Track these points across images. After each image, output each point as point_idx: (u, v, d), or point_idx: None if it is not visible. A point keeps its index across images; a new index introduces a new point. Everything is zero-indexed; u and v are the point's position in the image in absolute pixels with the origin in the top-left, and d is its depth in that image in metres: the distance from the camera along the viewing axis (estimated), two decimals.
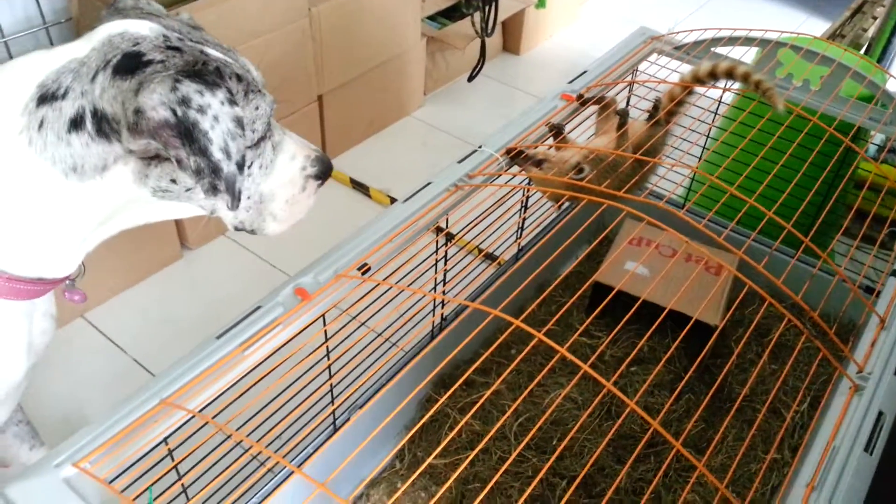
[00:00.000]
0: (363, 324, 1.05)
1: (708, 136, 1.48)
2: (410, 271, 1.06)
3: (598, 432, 1.31)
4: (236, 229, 0.89)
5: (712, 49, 1.51)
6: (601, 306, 0.95)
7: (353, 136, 2.24)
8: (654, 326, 0.96)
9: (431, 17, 2.36)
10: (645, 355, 1.46)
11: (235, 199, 0.76)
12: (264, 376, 0.91)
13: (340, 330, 1.03)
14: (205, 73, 0.72)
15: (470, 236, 1.17)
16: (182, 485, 0.80)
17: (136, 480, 0.79)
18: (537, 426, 0.80)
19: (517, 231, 1.42)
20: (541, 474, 0.76)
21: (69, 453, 0.74)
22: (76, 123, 0.72)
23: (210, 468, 0.85)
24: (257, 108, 0.80)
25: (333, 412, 1.15)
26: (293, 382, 0.93)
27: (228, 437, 0.83)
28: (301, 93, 1.96)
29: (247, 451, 1.00)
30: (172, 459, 0.80)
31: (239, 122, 0.74)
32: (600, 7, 3.11)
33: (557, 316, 0.94)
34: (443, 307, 1.32)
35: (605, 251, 1.61)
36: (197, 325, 1.67)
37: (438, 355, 1.26)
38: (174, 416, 0.78)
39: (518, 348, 1.46)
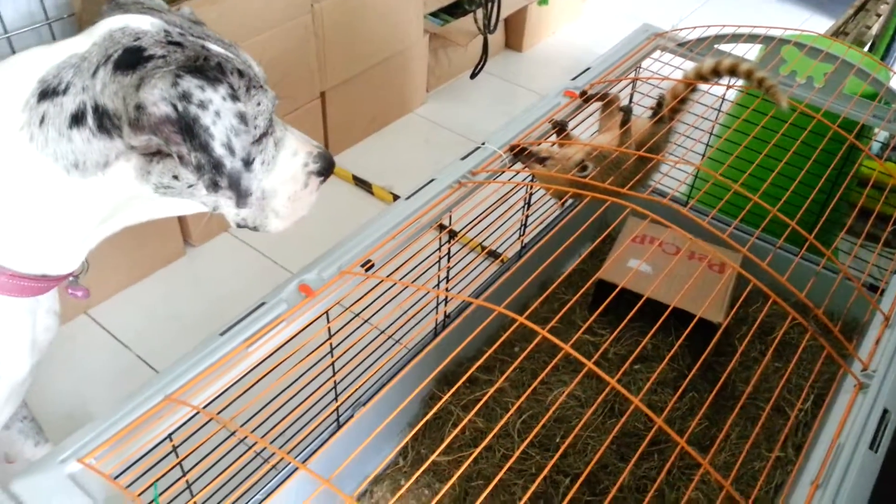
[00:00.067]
0: (366, 321, 1.05)
1: (711, 134, 1.47)
2: (414, 268, 1.06)
3: (602, 430, 1.31)
4: (239, 226, 0.89)
5: (716, 46, 1.50)
6: (605, 304, 0.94)
7: (355, 132, 2.24)
8: (657, 324, 0.96)
9: (434, 14, 2.36)
10: (648, 353, 1.46)
11: (242, 196, 0.76)
12: (268, 373, 0.91)
13: (344, 327, 1.03)
14: (206, 69, 0.72)
15: (473, 233, 1.17)
16: (186, 481, 0.80)
17: (140, 476, 0.79)
18: (541, 424, 0.79)
19: (520, 228, 1.42)
20: (545, 472, 0.76)
21: (74, 449, 0.74)
22: (77, 119, 0.72)
23: (214, 465, 0.85)
24: (259, 104, 0.80)
25: (337, 409, 1.15)
26: (297, 379, 0.93)
27: (233, 433, 0.83)
28: (303, 89, 1.96)
29: (251, 447, 1.00)
30: (177, 456, 0.80)
31: (242, 118, 0.73)
32: (603, 4, 3.11)
33: (561, 313, 0.94)
34: (446, 304, 1.32)
35: (607, 249, 1.61)
36: (200, 321, 1.67)
37: (442, 353, 1.26)
38: (178, 413, 0.78)
39: (521, 346, 1.46)
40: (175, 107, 0.69)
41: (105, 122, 0.72)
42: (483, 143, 1.20)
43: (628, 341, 1.47)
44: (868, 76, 1.40)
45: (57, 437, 1.22)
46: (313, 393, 1.03)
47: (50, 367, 1.52)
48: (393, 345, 1.20)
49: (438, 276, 1.22)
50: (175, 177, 0.77)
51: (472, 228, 1.16)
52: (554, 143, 1.26)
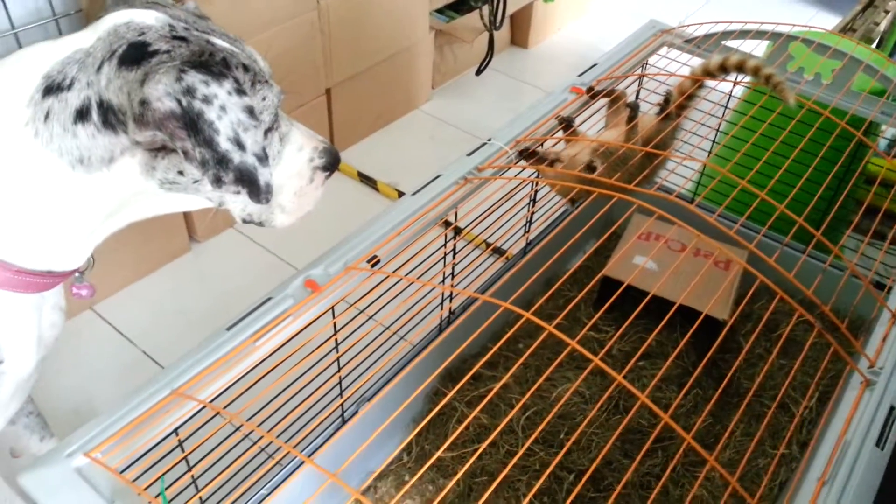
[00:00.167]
0: (371, 317, 1.05)
1: (718, 131, 1.47)
2: (419, 265, 1.06)
3: (606, 426, 1.31)
4: (244, 222, 0.88)
5: (723, 42, 1.50)
6: (611, 300, 0.94)
7: (360, 129, 2.24)
8: (664, 321, 0.96)
9: (439, 11, 2.35)
10: (652, 349, 1.45)
11: (263, 192, 0.75)
12: (273, 368, 0.91)
13: (349, 323, 1.03)
14: (211, 64, 0.72)
15: (478, 230, 1.17)
16: (192, 476, 0.80)
17: (146, 471, 0.79)
18: (546, 421, 0.79)
19: (525, 225, 1.42)
20: (550, 468, 0.76)
21: (81, 443, 0.74)
22: (82, 115, 0.72)
23: (219, 459, 0.86)
24: (264, 99, 0.79)
25: (342, 405, 1.15)
26: (302, 375, 0.93)
27: (238, 428, 0.83)
28: (309, 86, 1.96)
29: (255, 443, 1.00)
30: (183, 450, 0.81)
31: (251, 112, 0.73)
32: (609, 0, 3.10)
33: (567, 310, 0.94)
34: (451, 301, 1.32)
35: (612, 246, 1.61)
36: (205, 317, 1.67)
37: (446, 349, 1.26)
38: (185, 407, 0.78)
39: (525, 342, 1.46)
40: (179, 102, 0.68)
41: (110, 117, 0.72)
42: (489, 140, 1.20)
43: (633, 338, 1.47)
44: (876, 73, 1.40)
45: (62, 433, 1.23)
46: (318, 388, 1.04)
47: (55, 363, 1.53)
48: (398, 341, 1.20)
49: (443, 273, 1.22)
50: (180, 172, 0.76)
51: (477, 225, 1.16)
52: (560, 139, 1.26)
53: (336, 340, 1.01)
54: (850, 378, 0.91)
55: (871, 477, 0.78)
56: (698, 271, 1.43)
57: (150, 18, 0.75)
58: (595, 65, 1.41)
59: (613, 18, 2.98)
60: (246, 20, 1.68)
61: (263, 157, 0.75)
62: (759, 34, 1.47)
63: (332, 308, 0.95)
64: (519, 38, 2.75)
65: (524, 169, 1.23)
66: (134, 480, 0.72)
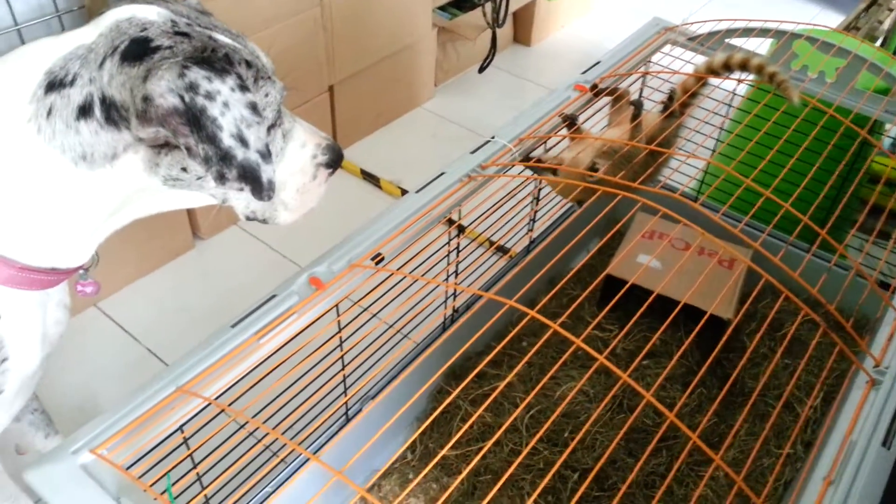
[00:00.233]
0: (375, 315, 1.05)
1: (722, 129, 1.47)
2: (422, 263, 1.06)
3: (610, 425, 1.31)
4: (248, 219, 0.88)
5: (726, 40, 1.49)
6: (615, 299, 0.94)
7: (363, 126, 2.24)
8: (668, 320, 0.95)
9: (442, 8, 2.35)
10: (656, 348, 1.45)
11: (265, 189, 0.75)
12: (277, 366, 0.91)
13: (353, 320, 1.03)
14: (213, 60, 0.72)
15: (481, 228, 1.17)
16: (197, 473, 0.80)
17: (151, 468, 0.79)
18: (551, 420, 0.79)
19: (529, 223, 1.42)
20: (555, 467, 0.76)
21: (86, 440, 0.74)
22: (85, 111, 0.71)
23: (224, 457, 0.86)
24: (267, 95, 0.79)
25: (346, 403, 1.15)
26: (306, 373, 0.93)
27: (242, 425, 0.83)
28: (312, 83, 1.96)
29: (260, 440, 1.00)
30: (188, 447, 0.81)
31: (254, 108, 0.73)
32: None
33: (571, 308, 0.94)
34: (454, 299, 1.32)
35: (616, 245, 1.61)
36: (209, 314, 1.67)
37: (450, 347, 1.26)
38: (190, 404, 0.78)
39: (529, 341, 1.46)
40: (182, 98, 0.68)
41: (112, 113, 0.71)
42: (493, 137, 1.20)
43: (636, 337, 1.47)
44: (881, 71, 1.39)
45: (67, 430, 1.23)
46: (322, 386, 1.04)
47: (60, 360, 1.53)
48: (401, 339, 1.20)
49: (447, 271, 1.22)
50: (184, 169, 0.76)
51: (480, 223, 1.15)
52: (564, 137, 1.26)
53: (340, 338, 1.01)
54: (855, 377, 0.91)
55: (877, 477, 0.77)
56: (702, 270, 1.42)
57: (152, 14, 0.74)
58: (598, 62, 1.41)
59: (616, 16, 2.98)
60: (249, 17, 1.68)
61: (266, 154, 0.74)
62: (763, 32, 1.47)
63: (336, 306, 0.95)
64: (522, 35, 2.74)
65: (527, 167, 1.23)
66: (139, 477, 0.72)
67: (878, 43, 1.93)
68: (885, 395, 0.86)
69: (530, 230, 1.44)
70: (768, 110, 1.31)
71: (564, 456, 0.77)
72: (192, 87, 0.68)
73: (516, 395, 1.36)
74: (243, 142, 0.72)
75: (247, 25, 1.63)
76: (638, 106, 1.29)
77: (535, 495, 0.71)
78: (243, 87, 0.72)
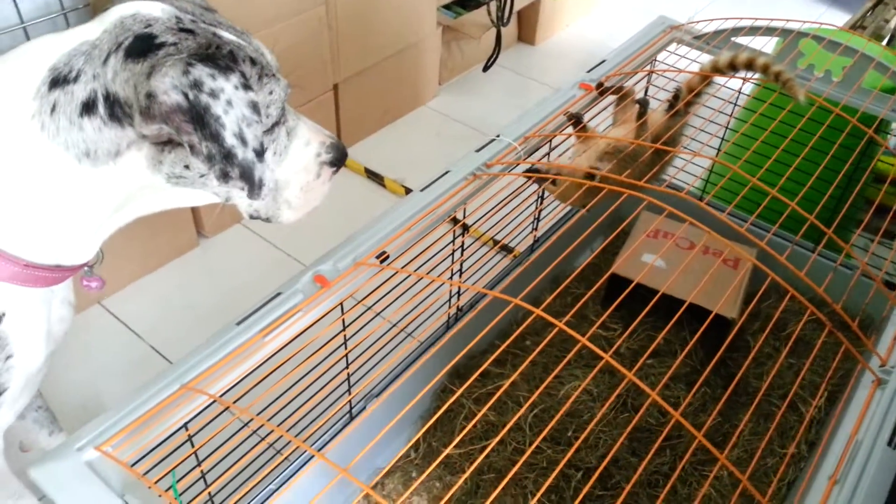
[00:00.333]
0: (378, 314, 1.05)
1: (727, 128, 1.46)
2: (426, 261, 1.06)
3: (613, 424, 1.31)
4: (251, 217, 0.88)
5: (732, 39, 1.49)
6: (620, 298, 0.94)
7: (367, 125, 2.24)
8: (673, 319, 0.95)
9: (447, 6, 2.35)
10: (660, 348, 1.45)
11: (256, 187, 0.74)
12: (282, 364, 0.91)
13: (357, 319, 1.03)
14: (218, 57, 0.71)
15: (485, 227, 1.17)
16: (201, 471, 0.80)
17: (156, 465, 0.79)
18: (555, 419, 0.79)
19: (533, 222, 1.41)
20: (560, 466, 0.75)
21: (91, 437, 0.74)
22: (88, 107, 0.71)
23: (228, 454, 0.86)
24: (271, 93, 0.79)
25: (350, 401, 1.15)
26: (310, 371, 0.93)
27: (247, 423, 0.83)
28: (316, 81, 1.96)
29: (264, 438, 1.00)
30: (192, 445, 0.81)
31: (255, 108, 0.72)
32: None
33: (576, 308, 0.94)
34: (459, 298, 1.32)
35: (620, 244, 1.60)
36: (213, 312, 1.67)
37: (454, 346, 1.26)
38: (195, 402, 0.78)
39: (533, 339, 1.46)
40: (186, 95, 0.68)
41: (116, 110, 0.71)
42: (497, 136, 1.20)
43: (640, 336, 1.47)
44: (887, 70, 1.39)
45: (71, 427, 1.23)
46: (326, 384, 1.04)
47: (64, 357, 1.53)
48: (405, 338, 1.20)
49: (451, 270, 1.22)
50: (186, 166, 0.76)
51: (485, 222, 1.15)
52: (570, 136, 1.26)
53: (345, 336, 1.01)
54: (861, 377, 0.91)
55: (882, 476, 0.77)
56: (707, 269, 1.42)
57: (156, 10, 0.74)
58: (604, 61, 1.40)
59: (621, 15, 2.97)
60: (253, 15, 1.68)
61: (261, 153, 0.74)
62: (769, 31, 1.46)
63: (341, 304, 0.95)
64: (526, 34, 2.74)
65: (533, 165, 1.22)
66: (144, 474, 0.72)
67: (885, 42, 1.92)
68: (890, 395, 0.86)
69: (534, 229, 1.44)
70: (774, 109, 1.31)
71: (569, 455, 0.77)
72: (197, 85, 0.68)
73: (520, 393, 1.36)
74: (243, 141, 0.71)
75: (251, 23, 1.64)
76: (644, 104, 1.29)
77: (538, 494, 0.71)
78: (246, 86, 0.72)
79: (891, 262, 1.24)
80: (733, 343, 1.45)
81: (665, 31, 1.52)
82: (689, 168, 1.25)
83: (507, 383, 0.81)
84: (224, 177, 0.72)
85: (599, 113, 1.34)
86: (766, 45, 1.45)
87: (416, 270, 0.94)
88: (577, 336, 0.75)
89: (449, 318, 1.34)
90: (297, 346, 0.91)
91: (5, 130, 0.72)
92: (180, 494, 0.74)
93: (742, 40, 1.47)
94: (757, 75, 1.33)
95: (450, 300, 1.29)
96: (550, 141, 1.26)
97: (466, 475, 0.71)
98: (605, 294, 1.51)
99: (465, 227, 1.16)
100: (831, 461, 0.80)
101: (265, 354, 0.87)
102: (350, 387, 1.10)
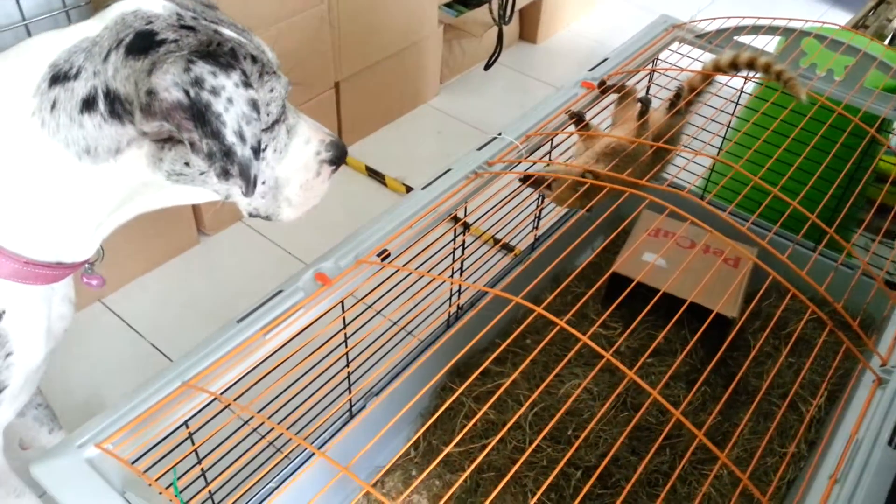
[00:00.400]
0: (379, 312, 1.05)
1: (729, 127, 1.46)
2: (427, 260, 1.06)
3: (613, 423, 1.31)
4: (251, 215, 0.88)
5: (735, 38, 1.49)
6: (622, 297, 0.94)
7: (369, 123, 2.24)
8: (674, 318, 0.95)
9: (449, 5, 2.35)
10: (660, 346, 1.45)
11: (251, 185, 0.74)
12: (282, 362, 0.91)
13: (358, 317, 1.03)
14: (219, 54, 0.71)
15: (486, 226, 1.17)
16: (202, 468, 0.80)
17: (156, 463, 0.79)
18: (556, 418, 0.79)
19: (534, 221, 1.41)
20: (560, 465, 0.75)
21: (92, 434, 0.74)
22: (88, 104, 0.71)
23: (228, 452, 0.86)
24: (272, 91, 0.79)
25: (350, 399, 1.15)
26: (310, 369, 0.93)
27: (247, 421, 0.83)
28: (318, 79, 1.96)
29: (264, 436, 1.00)
30: (193, 443, 0.81)
31: (254, 106, 0.72)
32: None
33: (577, 306, 0.94)
34: (459, 296, 1.32)
35: (620, 243, 1.60)
36: (214, 310, 1.67)
37: (454, 345, 1.26)
38: (195, 399, 0.78)
39: (533, 338, 1.46)
40: (187, 93, 0.68)
41: (117, 107, 0.71)
42: (499, 134, 1.20)
43: (640, 335, 1.47)
44: (889, 69, 1.39)
45: (71, 425, 1.23)
46: (326, 383, 1.04)
47: (65, 355, 1.53)
48: (405, 336, 1.20)
49: (452, 269, 1.22)
50: (187, 164, 0.76)
51: (486, 220, 1.15)
52: (571, 134, 1.26)
53: (345, 334, 1.01)
54: (861, 376, 0.91)
55: (882, 476, 0.77)
56: (708, 268, 1.42)
57: (157, 7, 0.74)
58: (606, 59, 1.40)
59: (623, 13, 2.97)
60: (255, 13, 1.68)
61: (257, 151, 0.74)
62: (772, 30, 1.46)
63: (342, 302, 0.95)
64: (528, 32, 2.74)
65: (534, 164, 1.22)
66: (144, 472, 0.72)
67: (887, 41, 1.91)
68: (891, 394, 0.86)
69: (535, 227, 1.44)
70: (776, 108, 1.31)
71: (569, 454, 0.77)
72: (198, 82, 0.68)
73: (520, 392, 1.36)
74: (243, 138, 0.71)
75: (253, 21, 1.63)
76: (646, 103, 1.28)
77: (539, 493, 0.71)
78: (247, 84, 0.72)
79: (892, 261, 1.24)
80: (734, 342, 1.45)
81: (667, 30, 1.52)
82: (690, 167, 1.24)
83: (507, 382, 0.81)
84: (224, 174, 0.72)
85: (601, 111, 1.34)
86: (769, 45, 1.45)
87: (417, 269, 0.94)
88: (578, 334, 0.75)
89: (449, 316, 1.34)
90: (298, 344, 0.91)
91: (5, 127, 0.71)
92: (181, 492, 0.74)
93: (744, 39, 1.47)
94: (759, 74, 1.33)
95: (450, 299, 1.29)
96: (552, 139, 1.26)
97: (466, 474, 0.71)
98: (605, 293, 1.51)
99: (466, 226, 1.16)
100: (832, 460, 0.80)
101: (266, 352, 0.87)
102: (350, 385, 1.10)
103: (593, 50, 2.71)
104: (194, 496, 0.86)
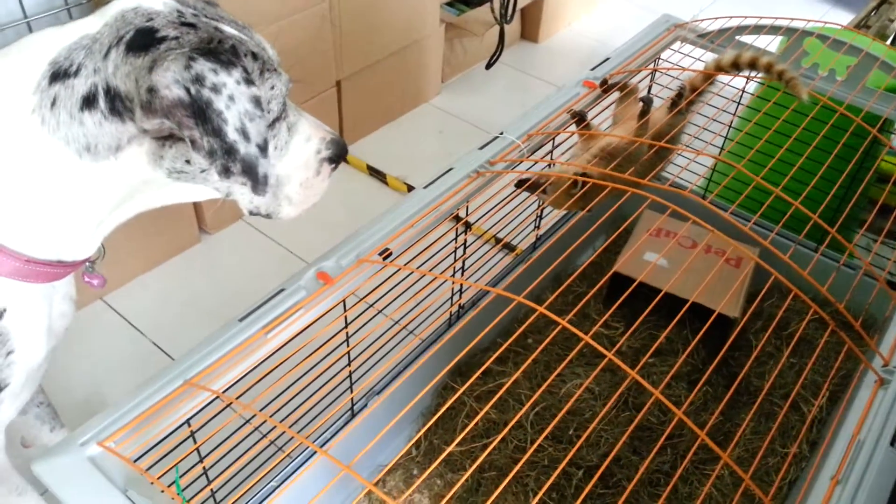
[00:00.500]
0: (380, 311, 1.05)
1: (730, 127, 1.46)
2: (429, 259, 1.06)
3: (615, 423, 1.31)
4: (251, 213, 0.88)
5: (737, 38, 1.49)
6: (623, 297, 0.94)
7: (370, 122, 2.24)
8: (676, 318, 0.95)
9: (450, 4, 2.35)
10: (662, 346, 1.45)
11: (260, 183, 0.74)
12: (284, 361, 0.91)
13: (360, 316, 1.03)
14: (220, 52, 0.71)
15: (488, 225, 1.17)
16: (203, 467, 0.80)
17: (158, 461, 0.79)
18: (558, 418, 0.79)
19: (536, 220, 1.41)
20: (562, 465, 0.75)
21: (94, 432, 0.74)
22: (89, 102, 0.71)
23: (230, 451, 0.86)
24: (273, 88, 0.78)
25: (352, 398, 1.15)
26: (312, 367, 0.93)
27: (249, 419, 0.83)
28: (319, 78, 1.96)
29: (265, 435, 1.00)
30: (195, 441, 0.81)
31: (257, 103, 0.72)
32: None
33: (579, 306, 0.93)
34: (461, 296, 1.32)
35: (622, 242, 1.60)
36: (215, 308, 1.67)
37: (456, 344, 1.26)
38: (197, 398, 0.78)
39: (535, 338, 1.46)
40: (188, 90, 0.68)
41: (117, 104, 0.71)
42: (501, 133, 1.20)
43: (642, 334, 1.47)
44: (892, 70, 1.39)
45: (72, 423, 1.23)
46: (328, 381, 1.04)
47: (66, 353, 1.53)
48: (407, 335, 1.20)
49: (454, 268, 1.22)
50: (188, 161, 0.76)
51: (487, 220, 1.15)
52: (573, 134, 1.26)
53: (347, 333, 1.01)
54: (864, 377, 0.91)
55: (885, 477, 0.77)
56: (709, 268, 1.42)
57: (158, 4, 0.74)
58: (607, 59, 1.40)
59: (625, 13, 2.96)
60: (256, 10, 1.68)
61: (264, 148, 0.74)
62: (774, 29, 1.46)
63: (344, 301, 0.95)
64: (529, 31, 2.74)
65: (536, 163, 1.22)
66: (146, 470, 0.72)
67: (889, 41, 1.91)
68: (893, 395, 0.86)
69: (537, 227, 1.44)
70: (778, 108, 1.31)
71: (570, 454, 0.77)
72: (198, 79, 0.68)
73: (522, 391, 1.36)
74: (246, 136, 0.71)
75: (255, 20, 1.63)
76: (647, 103, 1.28)
77: (540, 493, 0.71)
78: (248, 81, 0.72)
79: (894, 262, 1.24)
80: (735, 342, 1.45)
81: (669, 30, 1.52)
82: (692, 167, 1.24)
83: (508, 381, 0.81)
84: (225, 172, 0.72)
85: (604, 111, 1.34)
86: (771, 45, 1.45)
87: (418, 268, 0.94)
88: (580, 334, 0.75)
89: (451, 315, 1.34)
90: (300, 343, 0.90)
91: (5, 125, 0.71)
92: (182, 490, 0.74)
93: (746, 39, 1.47)
94: (760, 74, 1.33)
95: (452, 298, 1.29)
96: (554, 139, 1.26)
97: (468, 473, 0.71)
98: (607, 293, 1.51)
99: (468, 225, 1.16)
100: (833, 461, 0.80)
101: (267, 351, 0.87)
102: (352, 384, 1.10)
103: (595, 49, 2.71)
104: (196, 494, 0.86)
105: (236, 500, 0.76)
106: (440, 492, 1.23)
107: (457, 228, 1.15)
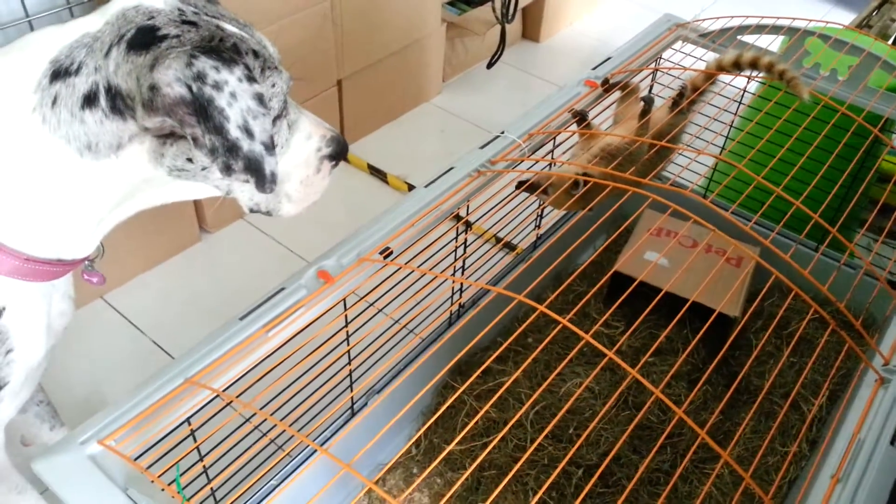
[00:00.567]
0: (381, 310, 1.05)
1: (731, 126, 1.46)
2: (429, 258, 1.06)
3: (615, 422, 1.31)
4: (251, 211, 0.88)
5: (738, 37, 1.49)
6: (624, 296, 0.94)
7: (371, 121, 2.24)
8: (677, 317, 0.95)
9: (451, 3, 2.34)
10: (662, 346, 1.45)
11: (268, 181, 0.74)
12: (284, 360, 0.91)
13: (360, 315, 1.03)
14: (221, 49, 0.71)
15: (488, 224, 1.17)
16: (203, 465, 0.81)
17: (158, 460, 0.79)
18: (558, 417, 0.79)
19: (536, 220, 1.41)
20: (562, 464, 0.75)
21: (94, 431, 0.74)
22: (90, 100, 0.71)
23: (230, 450, 0.86)
24: (274, 86, 0.78)
25: (352, 397, 1.15)
26: (313, 366, 0.93)
27: (249, 418, 0.83)
28: (321, 77, 1.96)
29: (266, 433, 1.00)
30: (195, 440, 0.81)
31: (260, 100, 0.72)
32: None
33: (580, 305, 0.93)
34: (461, 295, 1.32)
35: (622, 242, 1.60)
36: (216, 307, 1.67)
37: (456, 343, 1.26)
38: (198, 396, 0.78)
39: (535, 337, 1.46)
40: (190, 88, 0.67)
41: (118, 102, 0.71)
42: (502, 132, 1.20)
43: (642, 334, 1.47)
44: (893, 69, 1.38)
45: (72, 421, 1.23)
46: (329, 380, 1.04)
47: (65, 352, 1.53)
48: (407, 335, 1.20)
49: (454, 267, 1.22)
50: (189, 159, 0.76)
51: (488, 219, 1.15)
52: (574, 133, 1.26)
53: (347, 332, 1.01)
54: (864, 376, 0.91)
55: (885, 476, 0.77)
56: (710, 268, 1.42)
57: (159, 2, 0.74)
58: (609, 58, 1.40)
59: (626, 12, 2.96)
60: (257, 9, 1.68)
61: (270, 146, 0.74)
62: (775, 29, 1.46)
63: (344, 300, 0.95)
64: (531, 31, 2.73)
65: (537, 162, 1.22)
66: (147, 468, 0.72)
67: (891, 41, 1.91)
68: (893, 394, 0.86)
69: (537, 226, 1.44)
70: (779, 108, 1.30)
71: (570, 453, 0.77)
72: (200, 77, 0.68)
73: (522, 391, 1.36)
74: (249, 133, 0.71)
75: (255, 17, 1.63)
76: (649, 102, 1.28)
77: (540, 492, 0.71)
78: (251, 78, 0.72)
79: (894, 261, 1.24)
80: (735, 341, 1.45)
81: (670, 29, 1.52)
82: (693, 166, 1.24)
83: (509, 380, 0.81)
84: (227, 170, 0.72)
85: (605, 110, 1.33)
86: (772, 44, 1.45)
87: (419, 267, 0.94)
88: (580, 333, 0.75)
89: (451, 314, 1.34)
90: (300, 342, 0.91)
91: (6, 124, 0.71)
92: (183, 488, 0.74)
93: (747, 39, 1.47)
94: (762, 74, 1.33)
95: (452, 297, 1.29)
96: (555, 138, 1.26)
97: (468, 472, 0.71)
98: (607, 292, 1.51)
99: (468, 224, 1.16)
100: (833, 460, 0.80)
101: (268, 350, 0.87)
102: (352, 383, 1.10)
103: (596, 49, 2.71)
104: (196, 493, 0.86)
105: (236, 499, 0.76)
106: (440, 490, 1.23)
107: (457, 227, 1.15)
